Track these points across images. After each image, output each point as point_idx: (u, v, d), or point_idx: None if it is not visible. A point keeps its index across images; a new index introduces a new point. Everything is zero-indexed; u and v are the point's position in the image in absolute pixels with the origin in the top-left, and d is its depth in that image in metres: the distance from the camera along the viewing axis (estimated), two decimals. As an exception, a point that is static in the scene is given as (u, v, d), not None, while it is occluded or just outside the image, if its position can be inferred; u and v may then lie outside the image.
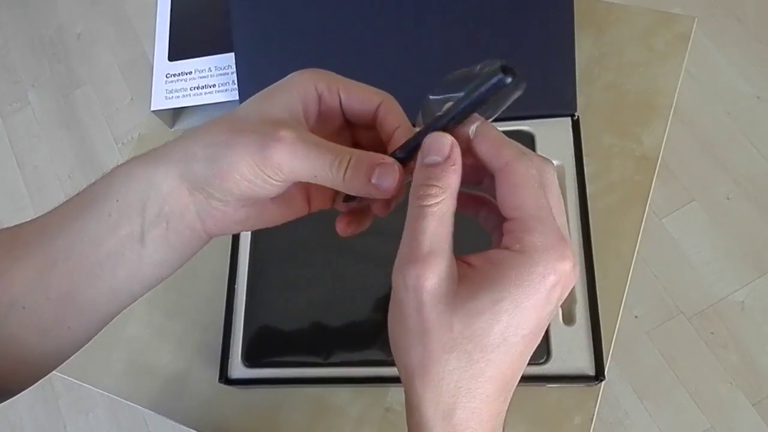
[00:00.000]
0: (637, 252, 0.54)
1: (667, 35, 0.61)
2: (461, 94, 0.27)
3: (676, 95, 0.59)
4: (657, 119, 0.58)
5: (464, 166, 0.28)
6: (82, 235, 0.31)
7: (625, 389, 1.17)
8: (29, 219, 0.33)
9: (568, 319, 0.50)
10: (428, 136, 0.28)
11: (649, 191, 0.56)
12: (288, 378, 0.53)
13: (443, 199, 0.27)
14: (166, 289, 0.61)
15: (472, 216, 0.33)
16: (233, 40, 0.62)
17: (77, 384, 0.61)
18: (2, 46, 1.88)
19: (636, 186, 0.56)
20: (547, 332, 0.50)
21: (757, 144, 1.28)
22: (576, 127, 0.56)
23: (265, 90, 0.32)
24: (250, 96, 0.32)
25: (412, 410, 0.29)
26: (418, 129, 0.31)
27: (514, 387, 0.29)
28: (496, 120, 0.30)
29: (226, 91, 0.65)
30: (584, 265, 0.51)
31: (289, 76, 0.32)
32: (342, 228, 0.36)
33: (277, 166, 0.29)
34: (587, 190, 0.53)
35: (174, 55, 0.68)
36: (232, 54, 0.63)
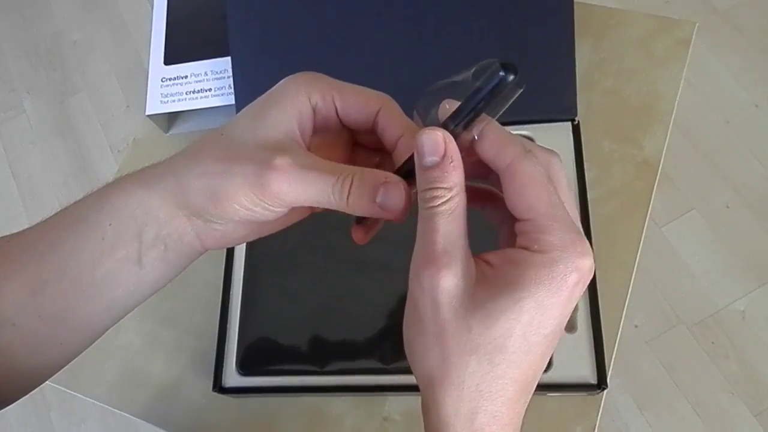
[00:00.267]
0: (637, 261, 0.53)
1: (667, 41, 0.60)
2: (456, 79, 0.27)
3: (677, 101, 0.58)
4: (657, 125, 0.57)
5: (469, 162, 0.27)
6: (75, 256, 0.30)
7: (625, 400, 1.16)
8: (24, 227, 0.33)
9: (570, 326, 0.49)
10: (419, 135, 0.27)
11: (650, 198, 0.55)
12: (283, 387, 0.52)
13: (451, 197, 0.26)
14: (159, 297, 0.60)
15: (478, 210, 0.32)
16: (229, 44, 0.62)
17: (69, 395, 0.59)
18: (-2, 54, 1.88)
19: (637, 192, 0.55)
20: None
21: (756, 152, 1.28)
22: (576, 132, 0.56)
23: (256, 103, 0.31)
24: (246, 101, 0.31)
25: (430, 415, 0.28)
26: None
27: (534, 388, 0.29)
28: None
29: (222, 95, 0.64)
30: (586, 272, 0.50)
31: (282, 84, 0.31)
32: (360, 237, 0.35)
33: (276, 195, 0.28)
34: (587, 196, 0.53)
35: (170, 58, 0.67)
36: (228, 58, 0.63)
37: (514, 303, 0.25)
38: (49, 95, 1.79)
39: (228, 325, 0.55)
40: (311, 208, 0.35)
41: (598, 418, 0.49)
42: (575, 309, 0.49)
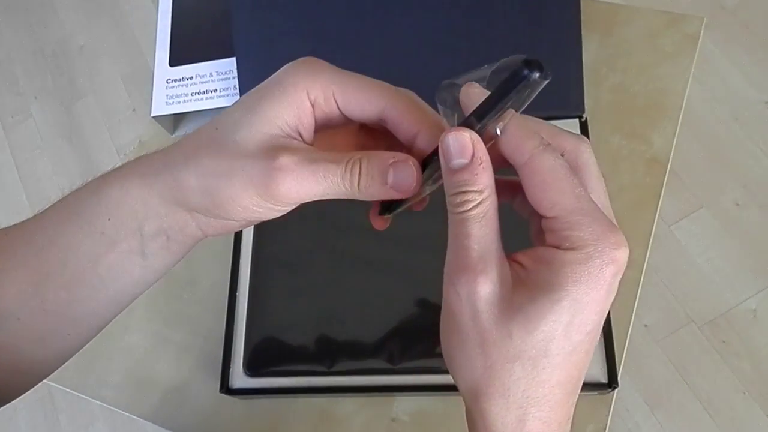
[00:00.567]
0: (647, 259, 0.53)
1: (675, 36, 0.60)
2: (476, 75, 0.26)
3: (685, 96, 0.57)
4: (666, 121, 0.57)
5: (494, 154, 0.26)
6: (74, 250, 0.30)
7: (635, 400, 1.15)
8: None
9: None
10: (444, 136, 0.26)
11: (660, 194, 0.54)
12: (291, 387, 0.52)
13: (482, 200, 0.25)
14: (166, 298, 0.61)
15: (508, 202, 0.31)
16: (234, 45, 0.62)
17: (77, 398, 0.59)
18: (5, 59, 1.89)
19: (646, 189, 0.55)
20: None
21: (765, 149, 1.27)
22: (584, 128, 0.55)
23: (251, 96, 0.29)
24: None
25: (477, 426, 0.27)
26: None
27: (581, 386, 0.28)
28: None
29: (227, 96, 0.64)
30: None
31: (280, 75, 0.29)
32: (380, 224, 0.33)
33: (284, 196, 0.27)
34: (597, 193, 0.52)
35: (175, 60, 0.67)
36: (233, 59, 0.63)
37: (553, 304, 0.24)
38: (56, 99, 1.79)
39: (235, 326, 0.54)
40: None
41: (609, 417, 0.49)
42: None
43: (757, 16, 1.38)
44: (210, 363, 0.56)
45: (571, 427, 0.28)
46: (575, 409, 0.28)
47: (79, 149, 1.71)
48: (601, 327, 0.27)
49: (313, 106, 0.29)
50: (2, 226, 0.32)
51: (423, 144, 0.29)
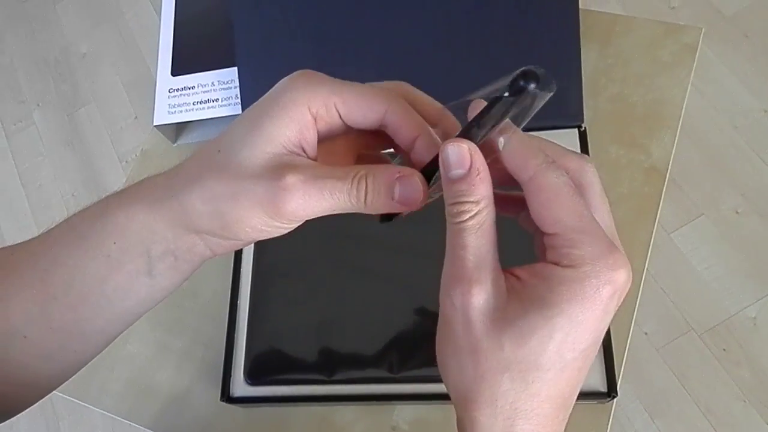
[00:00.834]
0: (647, 267, 0.53)
1: (673, 46, 0.60)
2: (491, 89, 0.26)
3: (684, 106, 0.58)
4: (665, 130, 0.57)
5: (499, 169, 0.27)
6: (80, 272, 0.30)
7: (636, 408, 1.15)
8: (32, 237, 0.32)
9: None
10: (444, 147, 0.26)
11: (659, 203, 0.55)
12: (291, 396, 0.52)
13: (479, 211, 0.26)
14: (167, 306, 0.61)
15: (512, 218, 0.31)
16: (236, 55, 0.62)
17: (79, 406, 0.59)
18: (8, 66, 1.90)
19: (645, 198, 0.55)
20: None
21: (765, 157, 1.27)
22: (583, 138, 0.55)
23: (251, 114, 0.29)
24: None
25: None
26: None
27: (573, 402, 0.28)
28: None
29: (229, 105, 0.64)
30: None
31: (279, 90, 0.29)
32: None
33: (292, 214, 0.27)
34: (596, 202, 0.52)
35: (177, 69, 0.67)
36: (235, 68, 0.63)
37: (546, 321, 0.25)
38: (59, 107, 1.80)
39: (236, 335, 0.54)
40: None
41: (609, 426, 0.49)
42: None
43: (756, 24, 1.39)
44: (211, 371, 0.56)
45: (570, 436, 0.28)
46: (573, 417, 0.29)
47: (81, 156, 1.72)
48: (598, 345, 0.27)
49: (315, 119, 0.29)
50: (4, 232, 0.33)
51: (422, 148, 0.30)
